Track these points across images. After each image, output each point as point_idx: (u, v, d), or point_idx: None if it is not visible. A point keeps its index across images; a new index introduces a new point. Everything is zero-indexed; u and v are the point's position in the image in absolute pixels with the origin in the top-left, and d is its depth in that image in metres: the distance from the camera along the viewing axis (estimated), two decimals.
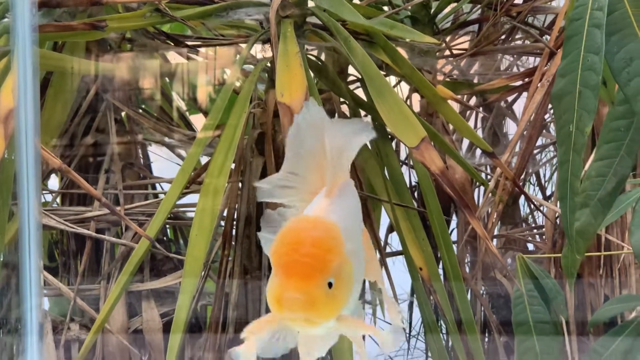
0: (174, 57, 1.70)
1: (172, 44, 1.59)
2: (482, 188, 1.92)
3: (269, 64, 1.42)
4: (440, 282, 1.50)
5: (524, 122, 1.63)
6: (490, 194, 1.65)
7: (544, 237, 2.15)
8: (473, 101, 2.01)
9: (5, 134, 1.14)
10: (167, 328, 1.48)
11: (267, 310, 0.64)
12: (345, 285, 0.63)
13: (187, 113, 1.78)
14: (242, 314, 1.39)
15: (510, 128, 2.13)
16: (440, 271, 1.53)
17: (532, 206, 2.13)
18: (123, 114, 1.62)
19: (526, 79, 1.83)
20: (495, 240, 1.95)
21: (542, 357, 1.29)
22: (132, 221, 1.41)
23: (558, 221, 1.75)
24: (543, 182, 2.19)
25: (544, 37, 1.89)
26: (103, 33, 1.32)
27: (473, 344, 1.35)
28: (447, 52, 1.95)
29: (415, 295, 1.66)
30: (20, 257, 0.80)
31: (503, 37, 2.00)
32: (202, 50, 1.62)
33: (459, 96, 1.54)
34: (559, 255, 1.39)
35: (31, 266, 0.81)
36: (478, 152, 2.04)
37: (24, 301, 0.78)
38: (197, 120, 1.77)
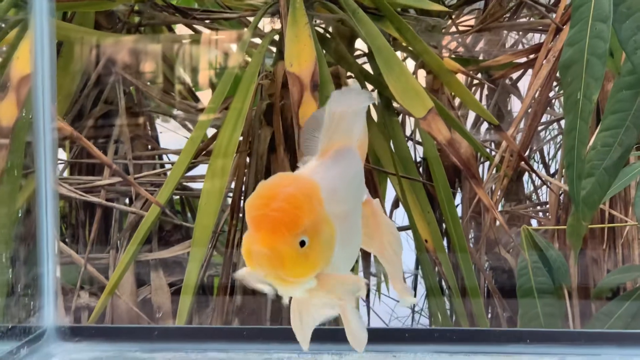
0: (181, 30, 1.71)
1: (180, 17, 1.60)
2: (486, 165, 1.93)
3: (276, 37, 1.43)
4: (445, 254, 1.51)
5: (529, 97, 1.63)
6: (494, 170, 1.66)
7: (547, 213, 2.17)
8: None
9: (18, 100, 1.16)
10: (175, 298, 1.50)
11: None
12: (322, 247, 0.62)
13: (194, 88, 1.79)
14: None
15: (515, 105, 2.14)
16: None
17: (535, 183, 2.15)
18: (131, 87, 1.63)
19: (531, 56, 1.84)
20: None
21: (545, 320, 1.30)
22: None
23: (562, 198, 1.77)
24: (547, 159, 2.20)
25: (550, 14, 1.89)
26: (113, 3, 1.33)
27: (476, 307, 1.37)
28: (453, 29, 1.96)
29: (420, 267, 1.67)
30: (38, 221, 0.82)
31: (508, 14, 2.01)
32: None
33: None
34: (563, 227, 1.41)
35: (48, 229, 0.83)
36: (482, 128, 2.05)
37: (41, 263, 0.79)
38: (204, 96, 1.78)
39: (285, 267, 0.60)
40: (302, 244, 0.60)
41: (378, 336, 0.84)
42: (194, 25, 1.65)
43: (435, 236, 1.49)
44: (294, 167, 1.40)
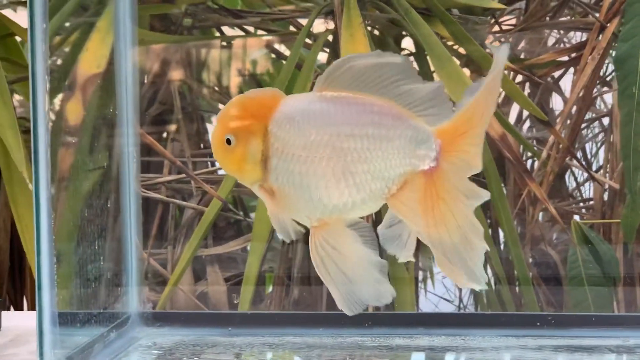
0: (232, 32, 1.75)
1: (232, 19, 1.64)
2: (528, 162, 1.96)
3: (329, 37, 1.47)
4: (494, 248, 1.55)
5: (575, 94, 1.66)
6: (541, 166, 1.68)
7: (590, 210, 2.19)
8: (519, 78, 2.04)
9: (84, 100, 1.20)
10: (230, 292, 1.53)
11: None
12: (245, 153, 0.70)
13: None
14: (305, 274, 1.44)
15: (556, 104, 2.16)
16: None
17: (578, 180, 2.17)
18: (185, 87, 1.67)
19: (573, 54, 1.86)
20: (540, 213, 1.98)
21: (595, 311, 1.33)
22: (198, 189, 1.46)
23: (606, 195, 1.79)
24: (589, 157, 2.22)
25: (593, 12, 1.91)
26: (174, 5, 1.37)
27: (527, 296, 1.40)
28: (495, 29, 1.98)
29: None
30: (122, 216, 0.86)
31: (550, 13, 2.03)
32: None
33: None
34: (611, 221, 1.43)
35: (131, 223, 0.87)
36: (525, 127, 2.08)
37: (125, 254, 0.84)
38: None
39: (218, 159, 0.72)
40: (229, 142, 0.70)
41: (448, 320, 0.88)
42: (244, 27, 1.69)
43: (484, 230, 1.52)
44: None
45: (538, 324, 0.86)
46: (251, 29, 1.69)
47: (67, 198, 0.78)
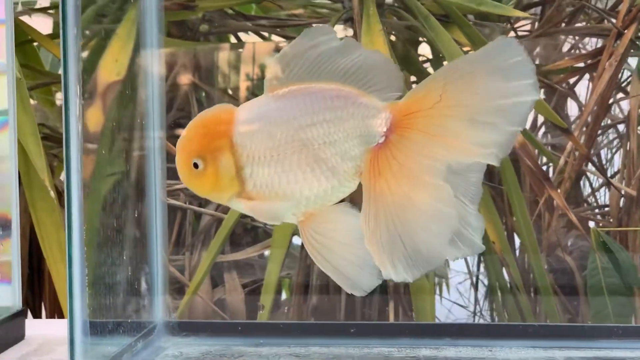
0: (247, 38, 1.75)
1: (250, 25, 1.64)
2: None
3: None
4: (512, 255, 1.55)
5: (593, 100, 1.66)
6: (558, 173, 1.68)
7: (605, 216, 2.19)
8: None
9: (104, 107, 1.20)
10: (248, 299, 1.53)
11: None
12: (217, 171, 0.71)
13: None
14: (323, 283, 1.44)
15: (571, 110, 2.16)
16: None
17: (593, 186, 2.17)
18: (203, 94, 1.67)
19: (589, 61, 1.86)
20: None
21: (615, 320, 1.33)
22: None
23: (622, 201, 1.79)
24: (604, 163, 2.21)
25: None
26: (193, 12, 1.37)
27: (547, 305, 1.40)
28: (512, 34, 1.98)
29: (485, 269, 1.70)
30: (148, 225, 0.87)
31: (567, 19, 2.03)
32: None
33: None
34: (634, 229, 1.43)
35: (157, 233, 0.87)
36: (540, 133, 2.08)
37: (151, 264, 0.84)
38: None
39: (187, 183, 0.72)
40: (196, 165, 0.71)
41: (475, 331, 0.87)
42: (261, 32, 1.69)
43: (501, 238, 1.52)
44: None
45: (565, 334, 0.86)
46: (267, 34, 1.69)
47: (94, 206, 0.78)
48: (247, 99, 1.77)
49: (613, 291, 1.37)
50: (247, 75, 1.80)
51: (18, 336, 0.94)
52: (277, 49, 1.72)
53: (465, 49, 1.52)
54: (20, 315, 0.95)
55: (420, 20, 1.37)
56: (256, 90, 1.80)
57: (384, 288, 1.39)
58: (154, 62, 0.89)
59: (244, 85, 1.80)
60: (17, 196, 0.96)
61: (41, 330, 0.99)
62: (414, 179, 0.69)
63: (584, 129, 1.73)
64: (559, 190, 1.76)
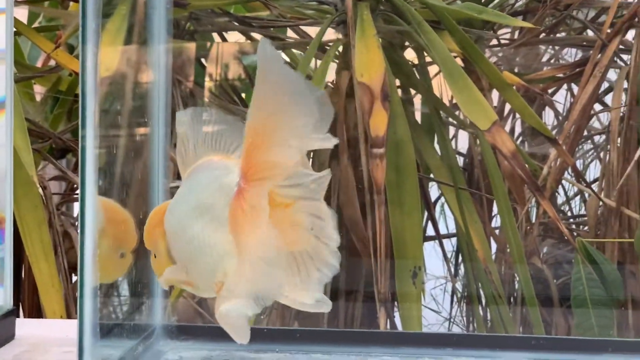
0: (237, 37, 1.74)
1: (238, 25, 1.62)
2: None
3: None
4: (493, 263, 1.55)
5: (576, 111, 1.67)
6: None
7: (580, 226, 2.21)
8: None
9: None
10: None
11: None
12: (161, 258, 0.78)
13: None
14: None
15: (548, 119, 2.18)
16: None
17: (568, 195, 2.19)
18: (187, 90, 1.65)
19: (568, 71, 1.88)
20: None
21: (599, 331, 1.33)
22: None
23: (600, 211, 1.80)
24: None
25: (588, 31, 1.94)
26: (184, 10, 1.35)
27: (533, 315, 1.40)
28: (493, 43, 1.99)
29: (465, 276, 1.71)
30: None
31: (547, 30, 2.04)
32: None
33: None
34: (624, 240, 1.44)
35: None
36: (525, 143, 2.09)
37: (150, 266, 0.83)
38: None
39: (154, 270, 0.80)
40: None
41: (477, 342, 0.87)
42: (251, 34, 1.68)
43: (484, 246, 1.53)
44: (357, 175, 1.44)
45: (567, 347, 0.85)
46: (256, 36, 1.67)
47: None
48: (230, 96, 1.76)
49: (597, 302, 1.38)
50: (234, 76, 1.78)
51: (8, 336, 0.92)
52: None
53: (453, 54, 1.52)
54: (11, 314, 0.93)
55: (413, 25, 1.37)
56: (247, 92, 1.79)
57: (369, 294, 1.38)
58: (160, 58, 0.87)
59: (226, 83, 1.78)
60: (11, 194, 0.94)
61: (32, 330, 0.96)
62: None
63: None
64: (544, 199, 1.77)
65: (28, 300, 1.47)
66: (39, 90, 1.81)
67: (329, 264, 0.71)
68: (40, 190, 1.29)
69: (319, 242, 0.70)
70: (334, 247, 0.71)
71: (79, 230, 0.66)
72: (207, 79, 1.71)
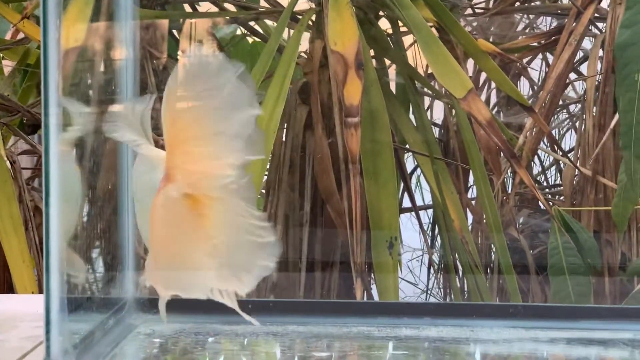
0: (205, 8, 1.71)
1: None
2: None
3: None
4: (470, 234, 1.54)
5: (552, 80, 1.65)
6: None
7: (557, 196, 2.20)
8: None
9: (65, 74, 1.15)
10: None
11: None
12: None
13: None
14: (283, 260, 1.42)
15: (523, 88, 2.17)
16: None
17: (544, 165, 2.18)
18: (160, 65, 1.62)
19: (543, 40, 1.87)
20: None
21: (576, 299, 1.33)
22: None
23: (576, 180, 1.80)
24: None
25: None
26: None
27: (510, 284, 1.39)
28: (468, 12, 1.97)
29: (442, 247, 1.70)
30: (119, 206, 0.84)
31: None
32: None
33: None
34: (602, 208, 1.43)
35: (129, 213, 0.84)
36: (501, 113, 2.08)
37: (122, 241, 0.81)
38: None
39: None
40: None
41: (455, 311, 0.86)
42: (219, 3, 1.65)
43: (460, 216, 1.52)
44: (330, 144, 1.42)
45: (547, 314, 0.84)
46: (228, 6, 1.65)
47: None
48: None
49: (573, 270, 1.37)
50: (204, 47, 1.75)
51: None
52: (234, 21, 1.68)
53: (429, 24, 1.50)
54: None
55: None
56: None
57: (346, 266, 1.37)
58: (127, 32, 0.84)
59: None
60: None
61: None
62: None
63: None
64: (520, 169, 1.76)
65: None
66: (7, 63, 1.78)
67: (260, 258, 0.70)
68: (8, 164, 1.26)
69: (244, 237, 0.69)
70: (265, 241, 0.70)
71: (43, 203, 0.64)
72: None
